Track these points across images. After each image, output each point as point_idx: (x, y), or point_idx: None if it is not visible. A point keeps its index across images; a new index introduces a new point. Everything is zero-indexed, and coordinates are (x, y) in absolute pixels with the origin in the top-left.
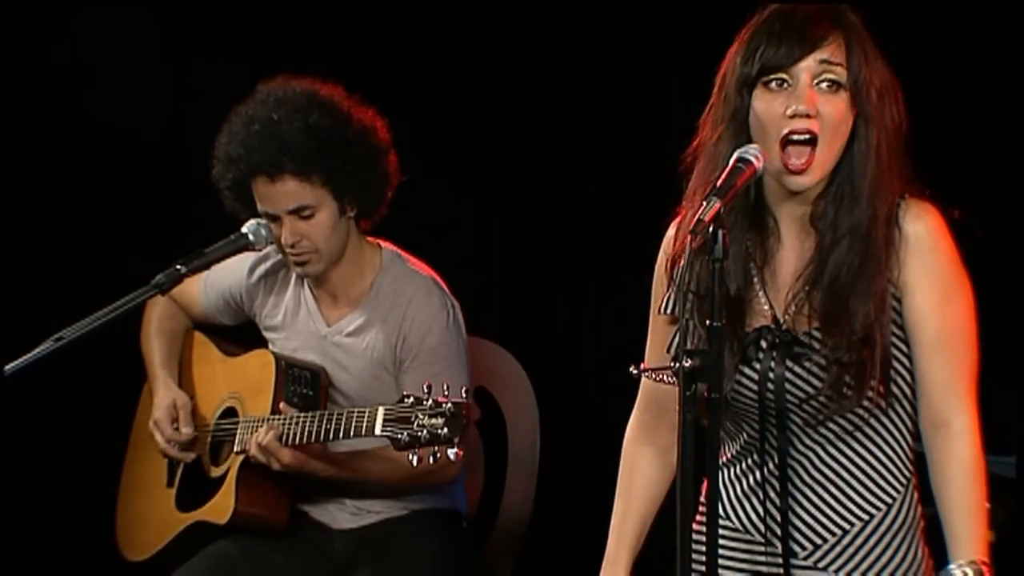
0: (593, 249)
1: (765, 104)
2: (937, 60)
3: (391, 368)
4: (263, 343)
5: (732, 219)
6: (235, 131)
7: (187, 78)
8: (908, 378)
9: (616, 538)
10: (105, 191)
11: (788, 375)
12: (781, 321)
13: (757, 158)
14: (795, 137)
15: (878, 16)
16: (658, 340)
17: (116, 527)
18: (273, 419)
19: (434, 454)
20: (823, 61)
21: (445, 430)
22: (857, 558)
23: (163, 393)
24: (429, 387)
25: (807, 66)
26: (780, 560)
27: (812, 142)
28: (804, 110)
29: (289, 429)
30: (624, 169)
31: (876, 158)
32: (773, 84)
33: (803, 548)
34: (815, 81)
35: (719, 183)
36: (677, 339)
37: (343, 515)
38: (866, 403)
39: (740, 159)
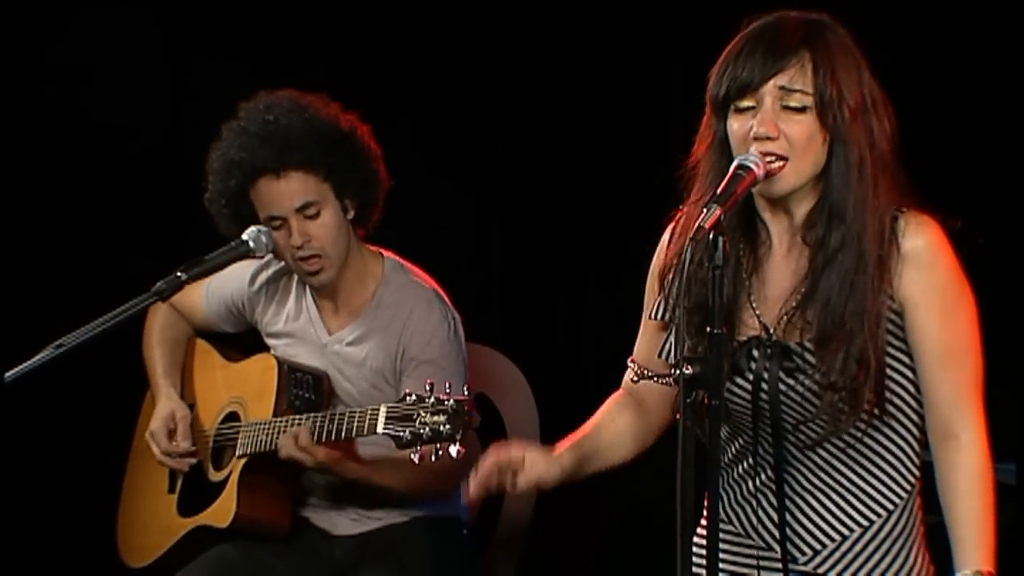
0: (593, 250)
1: (737, 125)
2: (939, 68)
3: (390, 378)
4: (265, 350)
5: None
6: (230, 141)
7: (187, 78)
8: (911, 389)
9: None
10: (105, 194)
11: (781, 385)
12: (772, 331)
13: (757, 165)
14: None
15: (877, 25)
16: (645, 342)
17: (117, 533)
18: (276, 420)
19: (436, 451)
20: (782, 88)
21: (447, 427)
22: (857, 563)
23: (163, 403)
24: (431, 385)
25: (768, 90)
26: (780, 565)
27: (782, 159)
28: (764, 133)
29: (293, 429)
30: (624, 169)
31: (857, 175)
32: (742, 106)
33: (803, 553)
34: (778, 104)
35: (719, 190)
36: (670, 346)
37: (344, 521)
38: (861, 424)
39: (740, 166)
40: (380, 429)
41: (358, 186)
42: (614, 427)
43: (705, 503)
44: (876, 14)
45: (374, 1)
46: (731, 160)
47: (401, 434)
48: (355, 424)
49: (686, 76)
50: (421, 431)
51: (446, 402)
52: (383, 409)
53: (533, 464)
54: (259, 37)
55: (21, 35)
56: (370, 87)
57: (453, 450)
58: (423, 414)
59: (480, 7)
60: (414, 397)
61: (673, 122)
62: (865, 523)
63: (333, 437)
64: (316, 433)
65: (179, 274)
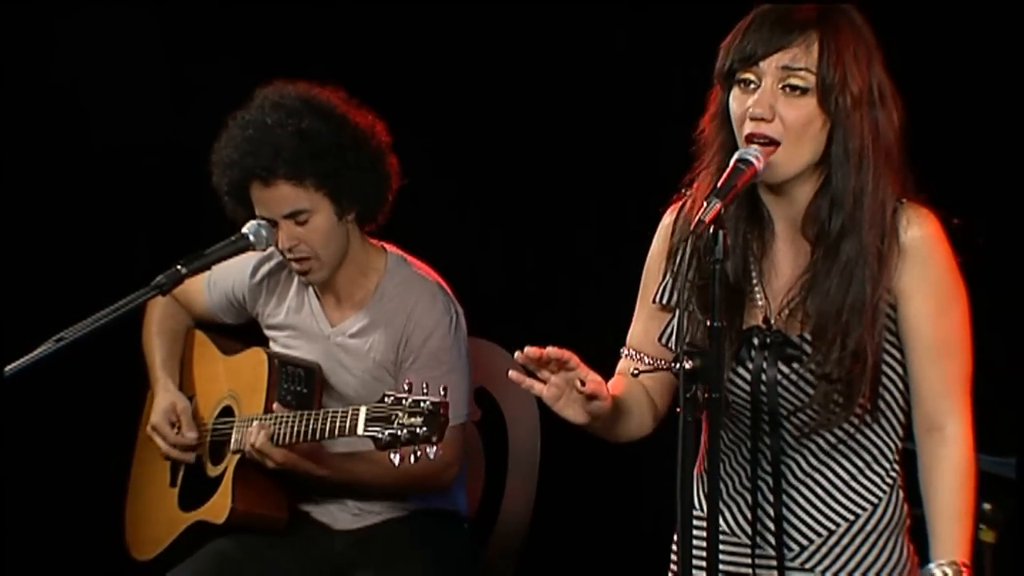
0: (593, 246)
1: (736, 103)
2: (946, 64)
3: (392, 371)
4: (265, 341)
5: (731, 208)
6: (231, 136)
7: (187, 79)
8: (900, 384)
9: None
10: (105, 188)
11: (780, 379)
12: (772, 321)
13: (757, 159)
14: (755, 140)
15: (894, 19)
16: (642, 326)
17: (124, 526)
18: (264, 418)
19: (414, 453)
20: (785, 67)
21: (424, 428)
22: (843, 558)
23: (162, 396)
24: (410, 385)
25: (770, 69)
26: (768, 562)
27: (774, 143)
28: (759, 113)
29: (277, 429)
30: (624, 169)
31: (857, 163)
32: (743, 83)
33: (790, 549)
34: (779, 84)
35: (719, 184)
36: (671, 330)
37: (344, 516)
38: (854, 419)
39: (740, 160)
40: (360, 430)
41: (358, 193)
42: (630, 395)
43: (703, 498)
44: (892, 9)
45: (377, 3)
46: (732, 135)
47: (380, 436)
48: (336, 424)
49: (686, 75)
50: (399, 432)
51: (422, 403)
52: (363, 410)
53: (598, 384)
54: (260, 39)
55: (21, 35)
56: (371, 88)
57: (431, 451)
58: (401, 415)
59: (480, 8)
60: (392, 398)
61: (672, 121)
62: (851, 517)
63: (316, 436)
64: (297, 433)
65: (179, 268)
